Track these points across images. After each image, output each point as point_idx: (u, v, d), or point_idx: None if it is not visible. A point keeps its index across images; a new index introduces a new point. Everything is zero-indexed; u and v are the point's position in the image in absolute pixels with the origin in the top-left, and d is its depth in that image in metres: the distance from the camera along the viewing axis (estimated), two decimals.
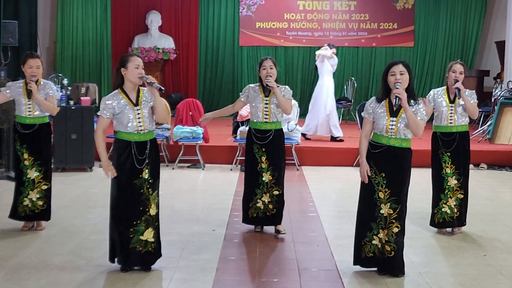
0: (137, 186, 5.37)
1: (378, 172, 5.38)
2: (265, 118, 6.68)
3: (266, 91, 6.68)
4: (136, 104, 5.37)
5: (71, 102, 10.57)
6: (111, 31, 16.78)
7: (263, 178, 6.75)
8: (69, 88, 10.95)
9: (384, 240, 5.44)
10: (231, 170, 10.79)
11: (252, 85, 6.85)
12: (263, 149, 6.72)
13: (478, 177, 10.71)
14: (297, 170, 10.83)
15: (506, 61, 15.39)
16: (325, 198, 8.90)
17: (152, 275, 5.47)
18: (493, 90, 14.69)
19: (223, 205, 8.17)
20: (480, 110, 14.60)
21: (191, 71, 17.12)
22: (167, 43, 16.60)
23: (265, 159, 6.73)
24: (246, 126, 10.92)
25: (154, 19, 16.66)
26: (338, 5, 17.05)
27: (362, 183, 5.49)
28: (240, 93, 6.88)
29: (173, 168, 10.82)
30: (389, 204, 5.39)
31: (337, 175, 10.60)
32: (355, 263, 5.61)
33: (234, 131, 11.78)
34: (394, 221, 5.42)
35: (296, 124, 11.09)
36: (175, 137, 10.95)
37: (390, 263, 5.45)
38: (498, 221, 7.78)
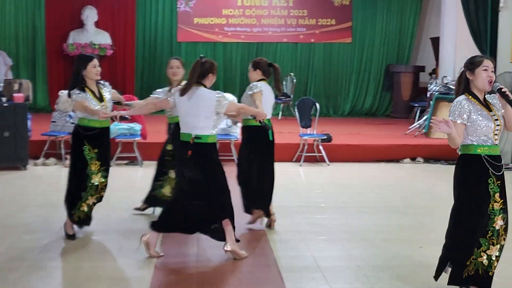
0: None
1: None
2: None
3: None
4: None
5: (4, 99, 10.25)
6: (45, 27, 16.41)
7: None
8: (1, 84, 10.64)
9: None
10: None
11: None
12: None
13: (415, 171, 10.89)
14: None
15: (441, 57, 15.69)
16: None
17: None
18: (429, 85, 14.95)
19: None
20: (416, 105, 14.93)
21: (128, 67, 16.87)
22: (104, 39, 16.33)
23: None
24: None
25: (90, 15, 16.35)
26: (277, 1, 17.07)
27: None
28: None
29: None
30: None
31: (277, 170, 10.55)
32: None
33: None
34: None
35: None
36: (112, 134, 10.73)
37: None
38: (434, 213, 7.89)
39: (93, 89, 6.37)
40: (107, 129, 6.52)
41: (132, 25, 16.89)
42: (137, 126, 10.84)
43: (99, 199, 6.51)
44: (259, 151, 6.81)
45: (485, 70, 4.64)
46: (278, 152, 11.23)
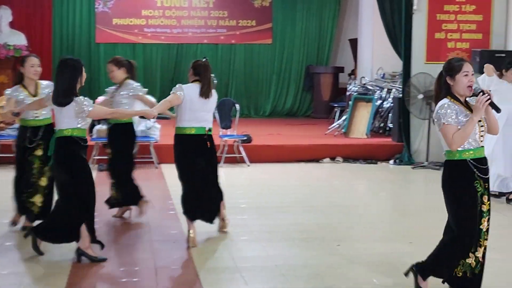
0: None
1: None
2: None
3: None
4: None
5: None
6: None
7: None
8: None
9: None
10: None
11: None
12: None
13: (334, 170, 11.04)
14: (156, 168, 10.68)
15: (359, 58, 16.00)
16: None
17: None
18: (348, 86, 15.21)
19: None
20: (336, 105, 15.15)
21: (44, 69, 16.26)
22: (19, 39, 15.80)
23: None
24: (102, 125, 10.62)
25: (4, 15, 15.82)
26: (197, 2, 16.97)
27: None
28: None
29: None
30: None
31: None
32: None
33: (90, 130, 11.42)
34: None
35: (155, 122, 10.92)
36: None
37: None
38: (352, 212, 8.03)
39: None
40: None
41: (49, 26, 16.46)
42: None
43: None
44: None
45: (466, 75, 4.62)
46: None
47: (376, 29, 14.00)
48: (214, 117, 10.69)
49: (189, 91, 6.46)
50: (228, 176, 10.32)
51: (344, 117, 13.53)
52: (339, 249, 6.26)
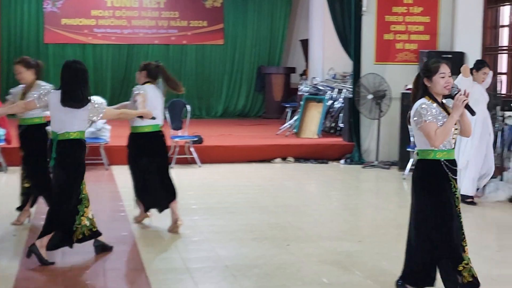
0: None
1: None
2: None
3: None
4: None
5: None
6: None
7: None
8: None
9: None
10: None
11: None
12: None
13: (285, 170, 11.09)
14: (106, 169, 10.56)
15: (310, 59, 16.14)
16: None
17: None
18: (299, 86, 15.30)
19: None
20: (287, 105, 15.23)
21: None
22: None
23: None
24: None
25: None
26: (148, 2, 16.87)
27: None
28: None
29: None
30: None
31: None
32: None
33: None
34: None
35: (104, 123, 10.80)
36: None
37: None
38: (302, 212, 8.08)
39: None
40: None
41: None
42: (0, 131, 10.39)
43: None
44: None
45: (443, 77, 4.64)
46: None
47: (327, 30, 14.13)
48: (165, 118, 10.70)
49: (148, 90, 6.82)
50: (179, 177, 10.21)
51: (295, 117, 13.61)
52: (289, 249, 6.28)
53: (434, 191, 4.69)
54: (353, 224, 7.62)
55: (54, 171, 5.87)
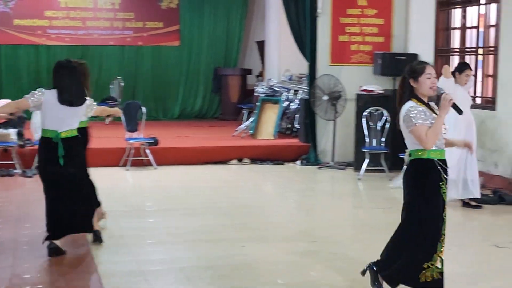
0: None
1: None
2: None
3: None
4: None
5: None
6: None
7: None
8: None
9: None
10: None
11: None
12: None
13: (241, 172, 11.09)
14: None
15: (266, 60, 16.18)
16: None
17: None
18: (255, 87, 15.32)
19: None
20: (244, 107, 15.24)
21: None
22: None
23: None
24: (3, 129, 10.31)
25: None
26: (102, 3, 16.68)
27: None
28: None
29: None
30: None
31: (103, 174, 10.33)
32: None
33: None
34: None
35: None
36: None
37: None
38: (257, 213, 8.09)
39: None
40: None
41: None
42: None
43: None
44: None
45: (429, 77, 4.68)
46: (105, 156, 11.08)
47: (283, 31, 14.18)
48: (120, 120, 10.59)
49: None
50: (134, 179, 10.22)
51: (251, 119, 13.61)
52: (244, 250, 6.28)
53: (428, 189, 4.72)
54: (309, 224, 7.65)
55: (66, 169, 5.92)
